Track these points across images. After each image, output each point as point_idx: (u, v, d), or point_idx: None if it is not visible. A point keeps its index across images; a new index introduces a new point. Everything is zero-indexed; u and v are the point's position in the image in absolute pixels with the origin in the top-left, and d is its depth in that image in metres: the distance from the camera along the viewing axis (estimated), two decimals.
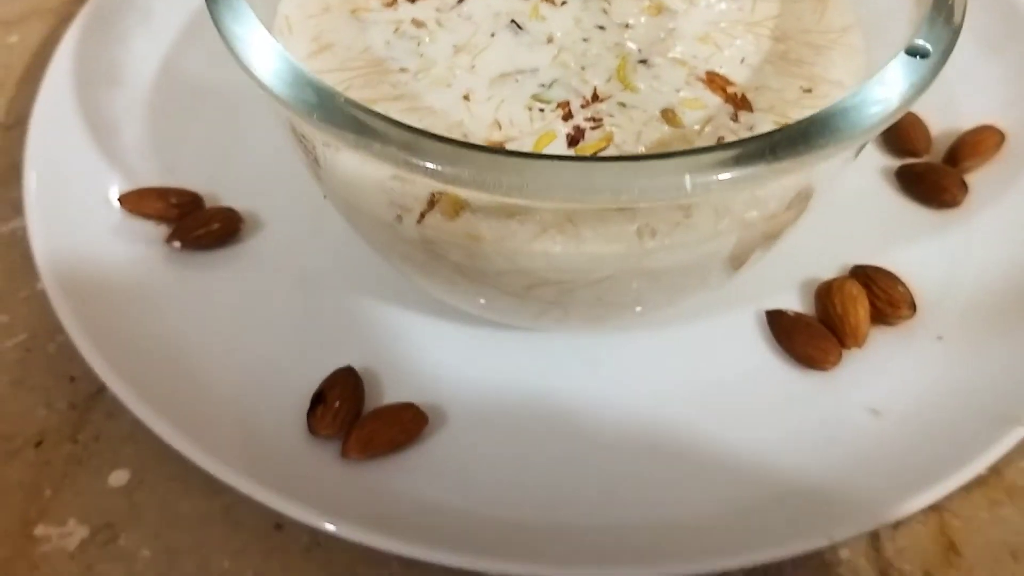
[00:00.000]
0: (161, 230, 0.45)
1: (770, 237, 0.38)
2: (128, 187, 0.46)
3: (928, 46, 0.32)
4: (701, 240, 0.35)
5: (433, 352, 0.42)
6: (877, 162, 0.48)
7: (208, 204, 0.46)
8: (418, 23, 0.40)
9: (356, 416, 0.39)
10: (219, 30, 0.32)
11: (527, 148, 0.36)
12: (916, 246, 0.45)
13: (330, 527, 0.35)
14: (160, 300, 0.43)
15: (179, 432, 0.37)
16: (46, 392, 0.43)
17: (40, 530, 0.39)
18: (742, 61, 0.39)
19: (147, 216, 0.45)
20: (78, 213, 0.45)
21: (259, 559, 0.38)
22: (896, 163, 0.48)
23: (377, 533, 0.35)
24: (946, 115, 0.49)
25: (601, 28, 0.40)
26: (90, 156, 0.47)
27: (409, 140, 0.29)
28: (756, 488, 0.38)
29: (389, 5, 0.41)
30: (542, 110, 0.37)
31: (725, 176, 0.28)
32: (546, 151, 0.36)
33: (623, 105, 0.37)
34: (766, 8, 0.41)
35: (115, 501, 0.40)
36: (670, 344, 0.43)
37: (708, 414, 0.41)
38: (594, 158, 0.34)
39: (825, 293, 0.42)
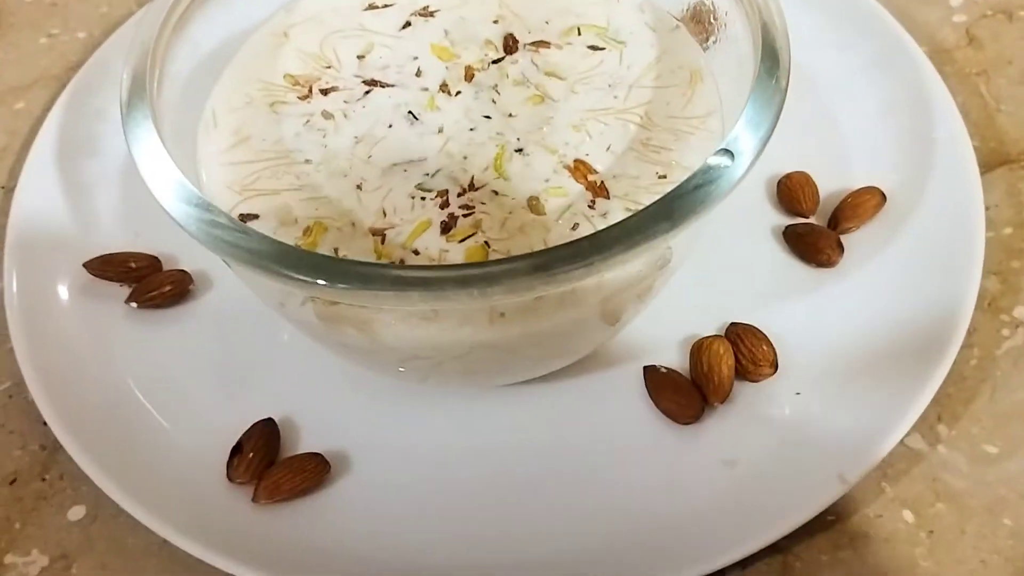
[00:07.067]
0: (124, 290, 0.51)
1: (639, 296, 0.43)
2: (99, 249, 0.52)
3: (731, 152, 0.36)
4: (552, 317, 0.40)
5: (346, 405, 0.48)
6: (770, 221, 0.52)
7: (167, 266, 0.53)
8: (327, 115, 0.45)
9: (269, 464, 0.45)
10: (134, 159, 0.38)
11: (406, 235, 0.41)
12: (791, 304, 0.49)
13: (237, 571, 0.41)
14: (114, 356, 0.49)
15: (117, 485, 0.44)
16: (22, 435, 0.49)
17: (8, 559, 0.46)
18: (607, 148, 0.43)
19: (110, 279, 0.51)
20: (49, 274, 0.52)
21: None
22: (787, 222, 0.52)
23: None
24: (839, 175, 0.53)
25: (487, 118, 0.45)
26: (65, 221, 0.54)
27: (274, 254, 0.35)
28: (618, 529, 0.43)
29: (304, 98, 0.46)
30: (423, 199, 0.42)
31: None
32: (422, 237, 0.41)
33: (495, 193, 0.42)
34: (638, 96, 0.45)
35: (72, 534, 0.46)
36: (560, 396, 0.47)
37: (586, 463, 0.46)
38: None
39: (696, 351, 0.47)
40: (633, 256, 0.34)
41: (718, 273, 0.50)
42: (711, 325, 0.49)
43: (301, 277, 0.34)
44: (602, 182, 0.42)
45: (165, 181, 0.37)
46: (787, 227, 0.51)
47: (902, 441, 0.45)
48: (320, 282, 0.34)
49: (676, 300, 0.48)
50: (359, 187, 0.43)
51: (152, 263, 0.52)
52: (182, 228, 0.36)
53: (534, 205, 0.42)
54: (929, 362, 0.45)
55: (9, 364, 0.51)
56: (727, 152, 0.36)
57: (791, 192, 0.52)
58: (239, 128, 0.45)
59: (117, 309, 0.51)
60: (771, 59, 0.39)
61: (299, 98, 0.46)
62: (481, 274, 0.33)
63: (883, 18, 0.58)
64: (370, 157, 0.44)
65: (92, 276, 0.51)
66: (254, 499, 0.44)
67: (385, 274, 0.34)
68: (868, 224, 0.51)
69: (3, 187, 0.60)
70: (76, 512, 0.47)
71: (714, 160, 0.36)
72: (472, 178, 0.43)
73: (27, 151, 0.58)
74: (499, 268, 0.33)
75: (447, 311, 0.38)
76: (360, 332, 0.39)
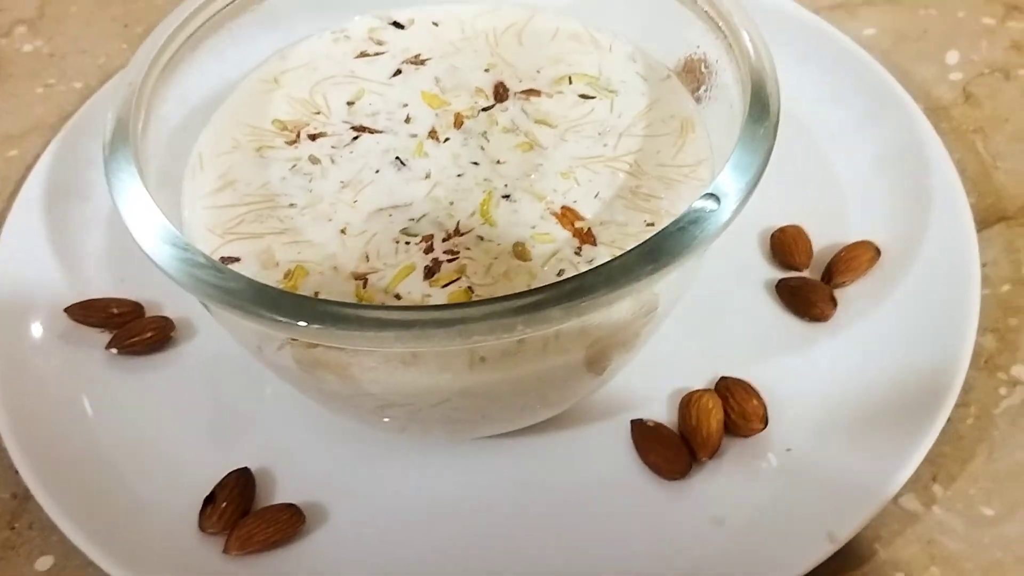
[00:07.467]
0: (104, 337, 0.51)
1: (625, 344, 0.42)
2: (82, 295, 0.52)
3: (716, 196, 0.36)
4: (535, 364, 0.38)
5: (325, 456, 0.47)
6: (763, 274, 0.52)
7: (150, 313, 0.52)
8: (314, 160, 0.45)
9: (243, 515, 0.43)
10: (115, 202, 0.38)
11: (388, 279, 0.40)
12: (783, 359, 0.48)
13: None
14: (90, 403, 0.48)
15: (85, 534, 0.43)
16: None
17: None
18: (596, 196, 0.43)
19: (91, 325, 0.51)
20: (28, 319, 0.51)
21: None
22: (780, 276, 0.51)
23: None
24: (833, 229, 0.52)
25: (475, 164, 0.44)
26: (49, 265, 0.53)
27: (252, 294, 0.34)
28: None
29: (291, 143, 0.46)
30: (408, 243, 0.41)
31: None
32: (405, 282, 0.40)
33: (481, 239, 0.41)
34: (628, 144, 0.45)
35: None
36: (543, 449, 0.46)
37: (569, 517, 0.44)
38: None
39: (685, 404, 0.45)
40: (617, 298, 0.33)
41: (709, 326, 0.50)
42: (701, 379, 0.48)
43: (279, 318, 0.33)
44: (589, 229, 0.41)
45: (144, 221, 0.37)
46: (780, 281, 0.50)
47: (896, 502, 0.44)
48: (299, 323, 0.33)
49: (665, 352, 0.47)
50: (343, 231, 0.42)
51: (135, 309, 0.51)
52: (159, 268, 0.35)
53: (520, 251, 0.41)
54: (923, 420, 0.44)
55: None
56: (712, 196, 0.36)
57: (784, 245, 0.51)
58: (225, 172, 0.45)
59: (96, 355, 0.50)
60: (759, 104, 0.39)
61: (287, 143, 0.46)
62: (461, 315, 0.33)
63: (879, 74, 0.57)
64: (356, 202, 0.43)
65: (73, 321, 0.51)
66: (225, 550, 0.42)
67: (363, 315, 0.33)
68: (862, 279, 0.50)
69: None
70: (44, 562, 0.45)
71: (699, 204, 0.35)
72: (458, 223, 0.42)
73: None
74: (480, 309, 0.33)
75: (427, 355, 0.37)
76: (338, 377, 0.38)
